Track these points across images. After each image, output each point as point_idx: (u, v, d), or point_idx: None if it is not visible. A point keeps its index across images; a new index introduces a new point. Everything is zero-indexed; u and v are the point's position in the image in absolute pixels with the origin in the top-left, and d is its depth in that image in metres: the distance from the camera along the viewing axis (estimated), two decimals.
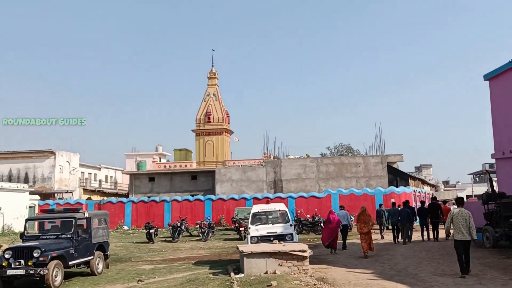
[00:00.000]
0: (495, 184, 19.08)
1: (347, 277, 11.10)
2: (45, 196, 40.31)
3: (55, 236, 12.82)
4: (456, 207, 11.54)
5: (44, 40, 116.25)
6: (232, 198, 33.50)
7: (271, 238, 13.88)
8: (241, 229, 22.93)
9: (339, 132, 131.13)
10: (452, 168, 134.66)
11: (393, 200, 25.87)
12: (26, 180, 43.67)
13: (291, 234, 14.56)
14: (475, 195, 50.98)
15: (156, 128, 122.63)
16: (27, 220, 13.97)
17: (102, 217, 14.86)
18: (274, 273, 11.02)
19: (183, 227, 24.58)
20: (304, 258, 11.35)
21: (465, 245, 10.63)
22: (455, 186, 76.15)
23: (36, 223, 14.48)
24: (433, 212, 19.35)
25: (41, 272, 11.18)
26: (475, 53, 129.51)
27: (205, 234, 23.81)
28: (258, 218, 15.88)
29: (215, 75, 50.73)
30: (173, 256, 17.62)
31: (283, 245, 12.02)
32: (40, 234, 13.24)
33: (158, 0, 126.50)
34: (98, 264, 13.66)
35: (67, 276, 12.77)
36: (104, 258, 14.18)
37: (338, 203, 25.95)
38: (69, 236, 12.70)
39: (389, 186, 34.07)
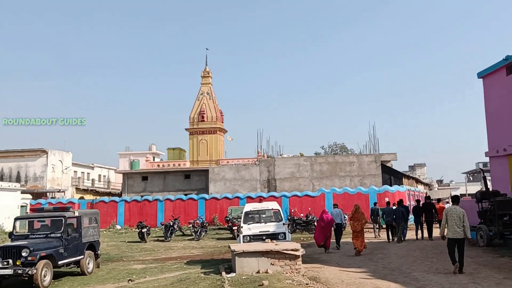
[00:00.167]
0: (489, 183, 19.04)
1: (340, 276, 10.98)
2: (37, 195, 40.01)
3: (45, 235, 12.64)
4: (450, 205, 11.45)
5: (43, 39, 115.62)
6: (226, 197, 33.35)
7: (264, 237, 13.76)
8: (234, 228, 22.78)
9: (333, 131, 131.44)
10: (446, 167, 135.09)
11: (387, 199, 25.81)
12: (18, 179, 43.32)
13: (284, 233, 14.44)
14: (469, 194, 51.13)
15: (150, 127, 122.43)
16: (16, 219, 13.75)
17: (92, 216, 14.67)
18: (266, 272, 10.88)
19: (175, 226, 24.41)
20: (296, 257, 11.22)
21: (458, 243, 10.56)
22: (449, 185, 76.34)
23: (26, 222, 14.26)
24: (427, 211, 19.29)
25: (30, 272, 11.00)
26: (469, 51, 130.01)
27: (198, 233, 23.67)
28: (251, 217, 15.74)
29: (209, 73, 50.51)
30: (165, 256, 17.44)
31: (276, 244, 11.89)
32: (29, 233, 13.05)
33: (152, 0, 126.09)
34: (88, 263, 13.48)
35: (57, 276, 12.59)
36: (94, 258, 13.98)
37: (332, 202, 25.85)
38: (58, 235, 12.53)
39: (383, 185, 34.03)
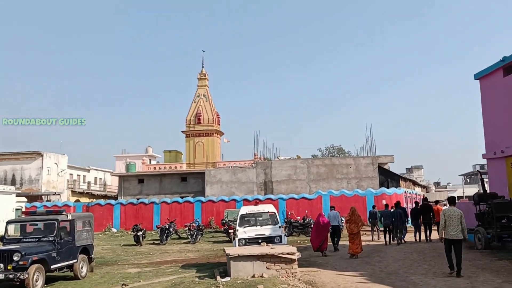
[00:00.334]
0: (486, 185, 18.92)
1: (336, 280, 10.83)
2: (32, 198, 39.77)
3: (37, 239, 12.42)
4: (448, 206, 11.34)
5: (42, 40, 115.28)
6: (222, 200, 33.16)
7: (259, 241, 13.61)
8: (230, 231, 22.60)
9: (330, 134, 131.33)
10: (443, 169, 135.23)
11: (384, 201, 25.68)
12: (13, 182, 43.06)
13: (280, 236, 14.24)
14: (466, 196, 51.00)
15: (146, 130, 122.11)
16: (8, 222, 13.52)
17: (86, 219, 14.44)
18: (262, 276, 10.74)
19: (171, 229, 24.24)
20: (292, 261, 11.07)
21: (455, 244, 10.46)
22: (446, 187, 76.32)
23: (19, 225, 14.04)
24: (425, 213, 19.19)
25: (21, 277, 10.79)
26: (465, 52, 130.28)
27: (194, 237, 23.47)
28: (246, 220, 15.51)
29: (205, 76, 50.41)
30: (160, 259, 17.25)
31: (271, 248, 11.75)
32: (22, 237, 12.82)
33: (149, 2, 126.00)
34: (81, 267, 13.26)
35: (50, 280, 12.40)
36: (88, 262, 13.75)
37: (329, 205, 25.67)
38: (51, 239, 12.31)
39: (380, 187, 33.88)
